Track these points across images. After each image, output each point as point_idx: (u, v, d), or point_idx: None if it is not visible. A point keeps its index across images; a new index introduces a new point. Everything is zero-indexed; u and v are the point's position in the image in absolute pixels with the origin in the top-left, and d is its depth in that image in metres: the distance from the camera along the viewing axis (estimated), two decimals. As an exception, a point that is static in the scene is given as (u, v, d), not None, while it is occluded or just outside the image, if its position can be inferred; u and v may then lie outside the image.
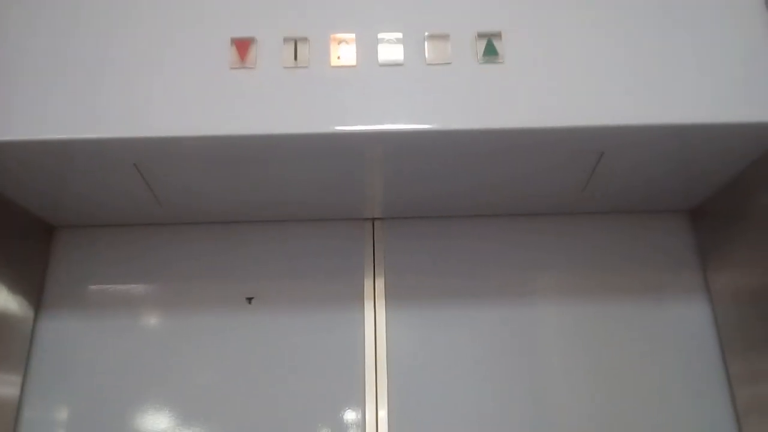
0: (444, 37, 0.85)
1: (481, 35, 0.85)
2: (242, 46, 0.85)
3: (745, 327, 0.95)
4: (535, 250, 1.08)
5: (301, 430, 0.99)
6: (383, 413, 0.98)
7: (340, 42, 0.85)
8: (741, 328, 0.97)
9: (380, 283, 1.06)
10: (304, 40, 0.85)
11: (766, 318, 0.90)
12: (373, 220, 1.10)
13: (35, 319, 1.04)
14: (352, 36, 0.85)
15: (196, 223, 1.10)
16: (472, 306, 1.05)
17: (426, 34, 0.85)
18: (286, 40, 0.85)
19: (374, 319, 1.03)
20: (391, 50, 0.85)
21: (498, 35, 0.85)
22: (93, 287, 1.08)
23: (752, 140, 0.85)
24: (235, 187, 0.97)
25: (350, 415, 0.99)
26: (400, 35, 0.85)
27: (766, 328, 0.90)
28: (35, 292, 1.05)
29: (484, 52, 0.84)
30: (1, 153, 0.84)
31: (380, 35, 0.86)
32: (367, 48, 0.85)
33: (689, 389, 1.00)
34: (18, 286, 1.01)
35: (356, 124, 0.82)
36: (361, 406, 0.99)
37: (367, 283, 1.06)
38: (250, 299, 1.05)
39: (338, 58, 0.85)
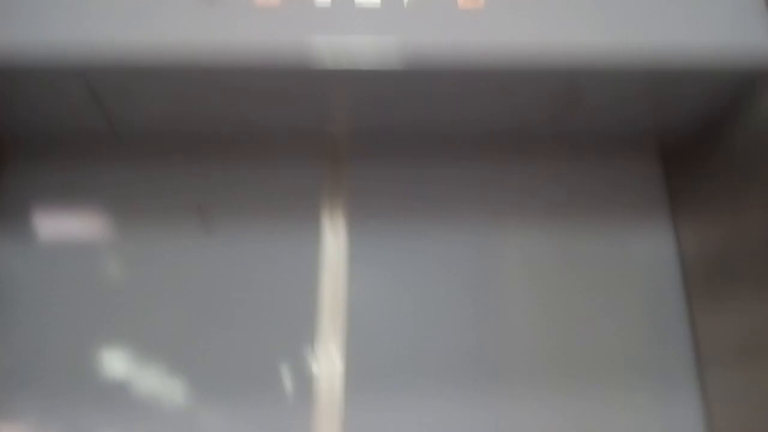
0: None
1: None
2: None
3: (710, 270, 0.95)
4: (503, 186, 1.05)
5: (253, 366, 0.95)
6: (334, 347, 0.96)
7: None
8: (707, 272, 0.96)
9: (342, 207, 1.03)
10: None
11: (730, 262, 0.90)
12: (337, 139, 1.06)
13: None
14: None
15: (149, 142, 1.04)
16: (439, 238, 1.02)
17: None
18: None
19: (335, 245, 1.01)
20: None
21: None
22: (41, 216, 1.02)
23: (728, 69, 0.82)
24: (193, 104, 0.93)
25: (305, 351, 0.96)
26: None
27: (731, 274, 0.90)
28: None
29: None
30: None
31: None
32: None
33: (651, 328, 0.99)
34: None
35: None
36: (314, 342, 0.96)
37: (327, 207, 1.03)
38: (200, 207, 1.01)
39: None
